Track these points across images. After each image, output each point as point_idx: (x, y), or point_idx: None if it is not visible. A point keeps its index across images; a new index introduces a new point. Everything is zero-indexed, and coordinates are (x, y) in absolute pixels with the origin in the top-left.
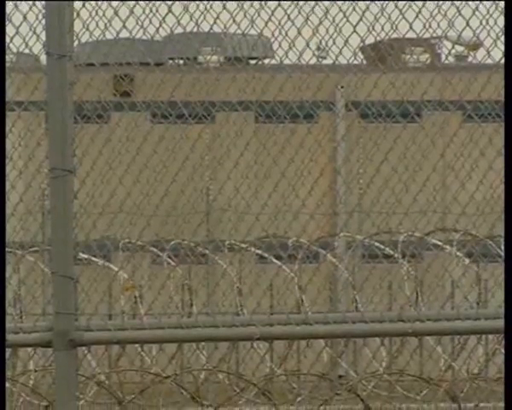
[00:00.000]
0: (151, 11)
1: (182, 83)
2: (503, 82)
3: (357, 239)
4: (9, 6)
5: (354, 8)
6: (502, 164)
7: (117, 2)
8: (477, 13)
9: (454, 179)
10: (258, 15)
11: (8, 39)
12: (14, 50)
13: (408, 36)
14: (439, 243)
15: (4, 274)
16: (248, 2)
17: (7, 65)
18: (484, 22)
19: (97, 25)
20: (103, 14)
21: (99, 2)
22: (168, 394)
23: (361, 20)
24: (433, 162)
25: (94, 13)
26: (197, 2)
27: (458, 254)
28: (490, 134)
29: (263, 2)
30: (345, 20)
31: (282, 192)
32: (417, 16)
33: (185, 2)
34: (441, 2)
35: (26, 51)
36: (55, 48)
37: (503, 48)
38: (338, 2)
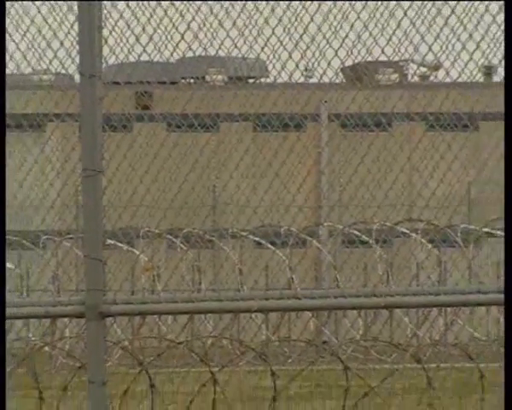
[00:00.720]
0: (166, 38)
1: (192, 98)
2: (459, 97)
3: (337, 228)
4: (49, 34)
5: (335, 36)
6: (458, 166)
7: (139, 30)
8: (438, 40)
9: (419, 179)
10: (256, 42)
11: (47, 61)
12: (53, 71)
13: (380, 59)
14: (407, 232)
15: (4, 273)
16: (247, 31)
17: (47, 83)
18: (444, 47)
19: (122, 50)
20: (127, 41)
21: (123, 31)
22: (181, 357)
23: (341, 45)
24: (401, 164)
25: (119, 40)
26: (205, 30)
27: (422, 240)
28: (449, 141)
29: (259, 31)
30: (328, 45)
31: (276, 189)
32: (388, 42)
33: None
34: (408, 30)
35: (63, 72)
36: (86, 69)
37: (459, 68)
38: (323, 30)
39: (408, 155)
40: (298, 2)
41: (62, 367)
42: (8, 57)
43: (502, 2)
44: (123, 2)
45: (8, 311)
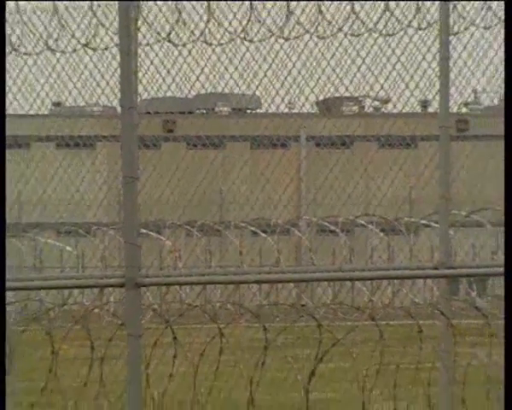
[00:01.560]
0: (185, 79)
1: (205, 124)
2: (403, 124)
3: (313, 221)
4: (98, 76)
5: (311, 78)
6: (403, 175)
7: (165, 73)
8: (387, 80)
9: (373, 184)
10: (252, 82)
11: (97, 97)
12: (101, 104)
13: (345, 95)
14: (364, 223)
15: (4, 272)
16: (246, 74)
17: (97, 113)
18: (392, 86)
19: (152, 88)
20: (156, 81)
21: (153, 74)
22: (196, 317)
23: (316, 85)
24: (360, 173)
25: (150, 80)
26: (214, 73)
27: (376, 230)
28: (396, 156)
29: (255, 74)
30: (305, 85)
31: (267, 191)
32: (351, 82)
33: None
34: (365, 73)
35: (109, 104)
36: (126, 102)
37: (403, 102)
38: (302, 73)
39: (365, 166)
40: (283, 52)
41: (108, 324)
42: (67, 93)
43: (435, 50)
44: (153, 53)
45: (68, 282)
